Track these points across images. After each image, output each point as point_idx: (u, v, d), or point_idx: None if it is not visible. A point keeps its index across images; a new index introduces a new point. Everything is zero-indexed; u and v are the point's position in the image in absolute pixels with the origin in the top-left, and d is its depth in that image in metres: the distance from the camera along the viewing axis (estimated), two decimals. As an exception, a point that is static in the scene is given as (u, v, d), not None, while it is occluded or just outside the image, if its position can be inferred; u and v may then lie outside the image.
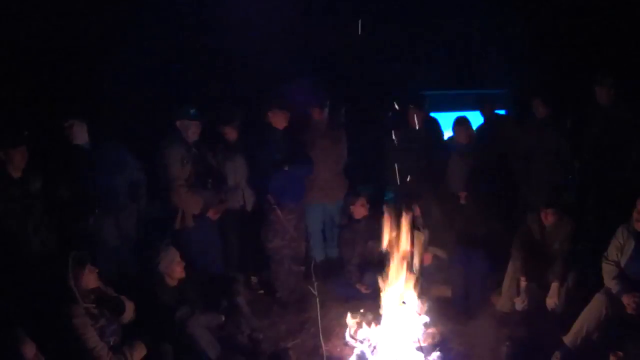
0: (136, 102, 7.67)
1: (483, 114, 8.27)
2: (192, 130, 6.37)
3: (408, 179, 7.07)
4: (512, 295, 6.17)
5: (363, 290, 6.67)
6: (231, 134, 6.80)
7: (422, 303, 5.76)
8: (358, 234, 6.94)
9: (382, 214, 6.96)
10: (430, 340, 5.53)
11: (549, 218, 6.12)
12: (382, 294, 5.56)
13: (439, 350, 5.36)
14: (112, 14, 8.07)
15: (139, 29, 8.07)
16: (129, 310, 4.99)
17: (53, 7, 7.54)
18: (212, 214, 6.56)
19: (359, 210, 6.94)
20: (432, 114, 8.48)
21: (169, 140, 6.30)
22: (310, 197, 7.08)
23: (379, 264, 6.22)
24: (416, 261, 5.93)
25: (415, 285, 5.62)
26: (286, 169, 6.68)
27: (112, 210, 6.00)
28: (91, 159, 5.92)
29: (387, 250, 5.75)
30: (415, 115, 7.44)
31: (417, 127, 7.46)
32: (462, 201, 6.86)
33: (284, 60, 8.82)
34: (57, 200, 5.59)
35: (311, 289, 5.67)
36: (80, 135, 6.02)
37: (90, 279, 4.79)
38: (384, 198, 7.68)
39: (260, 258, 7.11)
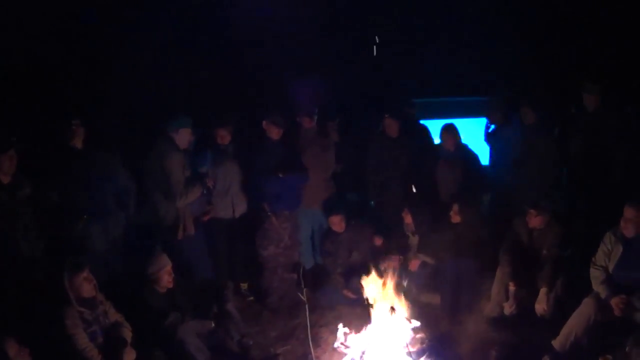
0: (127, 108, 7.68)
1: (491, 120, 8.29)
2: (187, 138, 6.40)
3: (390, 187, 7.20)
4: (500, 300, 6.20)
5: (350, 295, 6.69)
6: (224, 137, 6.80)
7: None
8: (340, 244, 6.99)
9: (363, 223, 7.10)
10: (419, 345, 5.53)
11: (532, 220, 6.16)
12: (370, 300, 5.57)
13: (428, 356, 5.35)
14: (110, 19, 8.07)
15: (135, 35, 8.07)
16: (128, 337, 4.99)
17: (47, 13, 7.54)
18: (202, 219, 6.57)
19: (337, 227, 7.01)
20: (422, 121, 8.55)
21: (166, 148, 6.28)
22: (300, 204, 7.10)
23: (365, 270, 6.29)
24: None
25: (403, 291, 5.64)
26: (281, 176, 6.69)
27: (100, 217, 5.98)
28: (82, 163, 5.90)
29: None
30: (391, 124, 7.49)
31: (393, 135, 7.52)
32: (454, 216, 6.82)
33: (279, 67, 8.87)
34: (46, 205, 5.57)
35: (300, 295, 5.69)
36: (80, 138, 6.01)
37: (84, 286, 4.80)
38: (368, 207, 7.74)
39: (250, 265, 7.10)
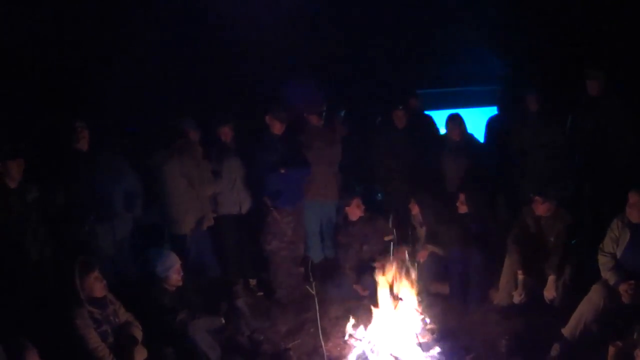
0: (132, 109, 7.70)
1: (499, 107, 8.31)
2: (197, 135, 6.58)
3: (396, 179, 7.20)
4: (509, 289, 6.19)
5: (360, 291, 6.72)
6: (227, 134, 6.85)
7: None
8: (353, 237, 7.00)
9: (376, 216, 7.11)
10: (429, 336, 5.55)
11: (539, 208, 6.14)
12: (379, 292, 5.59)
13: (438, 347, 5.38)
14: (110, 20, 8.08)
15: (135, 35, 8.09)
16: (139, 336, 5.03)
17: (51, 13, 7.56)
18: None
19: (354, 211, 7.00)
20: (427, 112, 8.54)
21: (188, 142, 6.47)
22: (307, 198, 7.11)
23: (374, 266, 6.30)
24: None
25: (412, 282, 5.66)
26: (282, 171, 6.70)
27: (107, 218, 6.02)
28: (88, 165, 5.94)
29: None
30: (402, 116, 7.51)
31: (401, 127, 7.54)
32: (461, 206, 6.82)
33: (283, 62, 8.86)
34: (54, 208, 5.61)
35: (309, 289, 5.71)
36: (85, 140, 6.05)
37: (95, 287, 4.83)
38: (376, 198, 7.74)
39: (258, 260, 7.13)
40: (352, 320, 5.79)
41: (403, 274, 5.64)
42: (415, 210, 7.18)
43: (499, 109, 8.34)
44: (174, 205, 6.39)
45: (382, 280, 5.59)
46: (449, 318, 6.08)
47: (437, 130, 8.29)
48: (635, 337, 4.75)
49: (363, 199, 7.18)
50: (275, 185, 6.73)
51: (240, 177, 6.91)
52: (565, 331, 5.30)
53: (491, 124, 8.05)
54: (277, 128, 6.85)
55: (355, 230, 7.02)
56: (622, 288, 5.16)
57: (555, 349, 5.27)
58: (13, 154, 5.28)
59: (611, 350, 4.90)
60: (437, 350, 5.34)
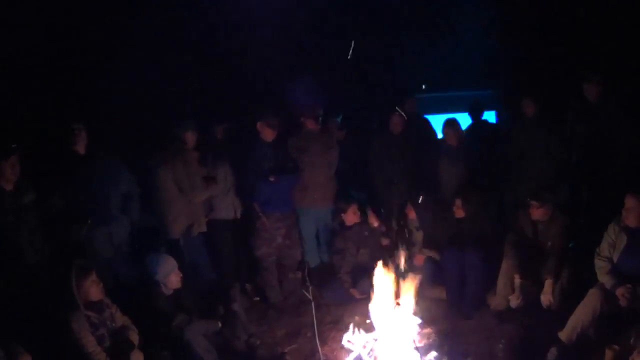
0: (129, 112, 7.70)
1: (472, 116, 8.34)
2: (193, 139, 6.58)
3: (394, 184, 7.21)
4: (506, 293, 6.19)
5: (357, 295, 6.72)
6: (220, 134, 6.93)
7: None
8: (349, 241, 7.00)
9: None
10: (425, 340, 5.55)
11: (535, 212, 6.15)
12: (376, 297, 5.59)
13: (435, 351, 5.37)
14: (108, 22, 8.09)
15: (133, 37, 8.09)
16: (135, 340, 5.02)
17: (49, 14, 7.57)
18: None
19: (351, 217, 7.03)
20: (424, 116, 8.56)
21: (180, 147, 6.47)
22: (303, 203, 7.10)
23: (371, 270, 6.29)
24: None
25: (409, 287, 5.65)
26: (272, 179, 6.69)
27: (105, 221, 6.01)
28: (86, 168, 5.93)
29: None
30: (398, 121, 7.53)
31: (396, 133, 7.55)
32: (457, 210, 6.81)
33: (279, 66, 8.88)
34: (51, 211, 5.59)
35: (306, 293, 5.70)
36: (83, 142, 6.04)
37: (92, 290, 4.82)
38: (374, 203, 7.74)
39: (254, 265, 7.12)
40: (349, 325, 5.78)
41: (400, 278, 5.63)
42: (412, 214, 7.18)
43: (472, 117, 8.34)
44: (165, 209, 6.39)
45: (380, 285, 5.57)
46: (445, 322, 6.09)
47: (434, 132, 8.31)
48: (632, 340, 4.76)
49: (360, 205, 7.19)
50: (265, 191, 6.73)
51: (235, 182, 6.91)
52: (562, 335, 5.29)
53: (471, 134, 8.07)
54: (268, 135, 6.84)
55: (352, 234, 7.03)
56: (619, 292, 5.16)
57: (552, 353, 5.25)
58: (4, 154, 5.24)
59: (608, 354, 4.91)
60: (434, 354, 5.33)
